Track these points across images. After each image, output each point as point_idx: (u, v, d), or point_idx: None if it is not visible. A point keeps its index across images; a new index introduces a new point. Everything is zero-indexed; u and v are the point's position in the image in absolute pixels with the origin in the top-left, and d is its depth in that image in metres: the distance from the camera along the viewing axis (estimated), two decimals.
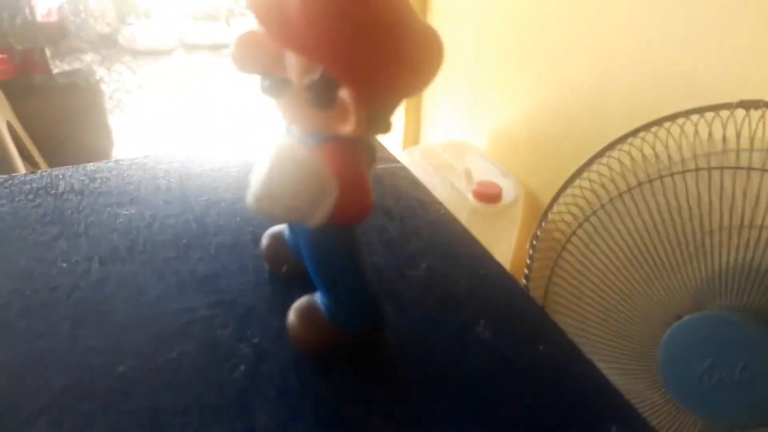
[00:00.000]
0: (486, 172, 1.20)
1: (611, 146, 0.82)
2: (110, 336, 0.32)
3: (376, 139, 0.30)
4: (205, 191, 0.46)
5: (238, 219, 0.43)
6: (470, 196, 1.10)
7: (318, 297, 0.31)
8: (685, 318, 0.68)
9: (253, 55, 0.26)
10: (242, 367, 0.30)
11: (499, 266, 0.38)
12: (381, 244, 0.41)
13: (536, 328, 0.34)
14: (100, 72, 2.09)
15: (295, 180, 0.23)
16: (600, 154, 0.84)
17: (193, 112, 2.74)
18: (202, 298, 0.35)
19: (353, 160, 0.26)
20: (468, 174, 1.15)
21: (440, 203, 0.45)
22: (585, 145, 0.88)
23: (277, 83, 0.25)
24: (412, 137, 1.63)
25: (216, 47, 3.51)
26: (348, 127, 0.23)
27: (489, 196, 1.09)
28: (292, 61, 0.24)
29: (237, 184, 0.47)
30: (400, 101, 0.25)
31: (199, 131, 2.59)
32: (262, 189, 0.23)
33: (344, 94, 0.22)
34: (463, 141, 1.33)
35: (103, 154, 1.94)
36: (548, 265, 0.90)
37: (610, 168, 0.82)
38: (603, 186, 0.82)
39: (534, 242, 0.93)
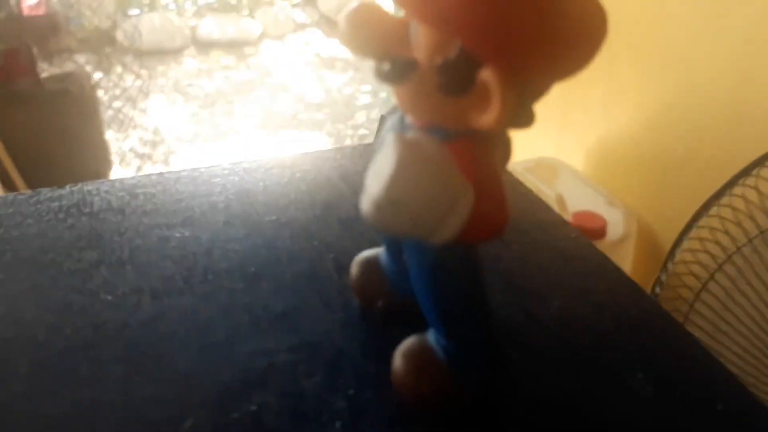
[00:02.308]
0: (585, 200, 1.19)
1: (757, 164, 0.81)
2: (171, 384, 0.33)
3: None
4: (272, 210, 0.48)
5: (316, 243, 0.44)
6: None
7: (431, 336, 0.31)
8: None
9: (368, 33, 0.27)
10: (338, 425, 0.31)
11: (655, 304, 0.38)
12: (496, 276, 0.41)
13: (710, 382, 0.34)
14: (96, 76, 2.17)
15: (425, 185, 0.24)
16: (741, 174, 0.83)
17: (210, 125, 2.82)
18: (281, 339, 0.36)
19: (488, 161, 0.27)
20: (561, 201, 1.14)
21: (567, 224, 0.46)
22: (718, 167, 0.87)
23: (399, 66, 0.26)
24: None
25: (236, 45, 3.61)
26: (488, 118, 0.23)
27: (590, 230, 1.08)
28: (421, 36, 0.25)
29: (310, 201, 0.49)
30: (551, 85, 0.26)
31: (219, 149, 2.66)
32: (385, 195, 0.24)
33: (487, 75, 0.23)
34: (554, 159, 1.33)
35: (96, 176, 2.00)
36: (677, 319, 0.88)
37: (759, 191, 0.81)
38: (751, 216, 0.81)
39: (657, 290, 0.92)
